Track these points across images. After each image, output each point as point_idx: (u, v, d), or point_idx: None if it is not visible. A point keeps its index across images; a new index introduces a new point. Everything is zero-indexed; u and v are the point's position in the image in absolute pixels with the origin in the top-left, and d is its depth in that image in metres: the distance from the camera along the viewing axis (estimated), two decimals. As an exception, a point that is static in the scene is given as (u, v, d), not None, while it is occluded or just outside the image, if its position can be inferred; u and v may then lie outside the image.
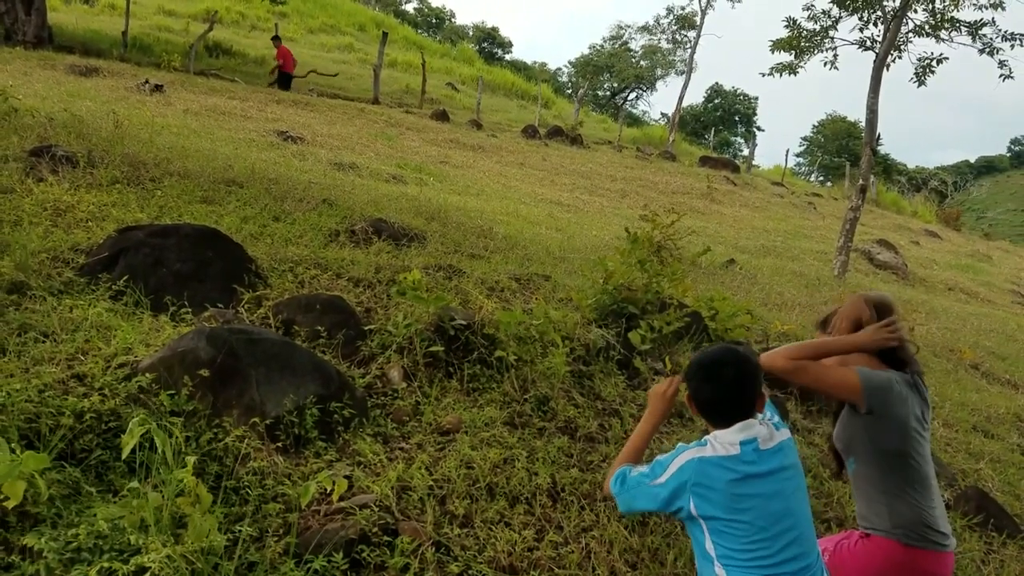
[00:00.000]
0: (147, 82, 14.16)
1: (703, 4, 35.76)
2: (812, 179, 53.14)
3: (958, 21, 11.58)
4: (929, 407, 2.71)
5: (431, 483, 3.14)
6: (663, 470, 2.22)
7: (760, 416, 2.29)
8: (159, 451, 2.78)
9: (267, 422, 3.11)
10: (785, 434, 2.30)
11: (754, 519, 2.12)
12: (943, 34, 11.74)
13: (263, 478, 2.90)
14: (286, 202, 6.45)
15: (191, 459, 2.69)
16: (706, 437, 2.26)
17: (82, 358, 3.33)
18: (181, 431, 2.97)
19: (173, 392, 3.12)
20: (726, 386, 2.24)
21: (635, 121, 48.40)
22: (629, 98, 59.26)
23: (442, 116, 21.02)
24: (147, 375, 3.16)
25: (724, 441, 2.20)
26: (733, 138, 63.38)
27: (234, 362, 3.19)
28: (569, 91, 53.34)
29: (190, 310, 4.04)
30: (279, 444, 3.10)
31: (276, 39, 20.76)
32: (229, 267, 4.46)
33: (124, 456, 2.77)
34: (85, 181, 5.82)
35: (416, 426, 3.64)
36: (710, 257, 9.00)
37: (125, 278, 4.13)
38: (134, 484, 2.61)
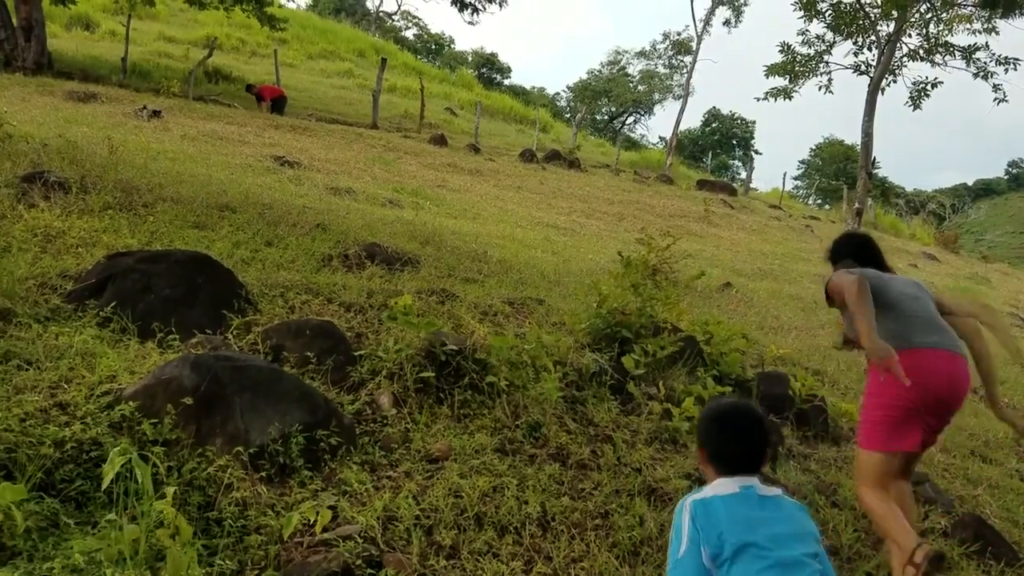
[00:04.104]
0: (145, 108, 14.22)
1: (699, 30, 36.12)
2: (810, 202, 53.33)
3: (952, 45, 11.67)
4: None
5: (418, 513, 3.08)
6: (679, 538, 2.22)
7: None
8: (139, 481, 2.74)
9: (251, 451, 3.06)
10: (786, 498, 2.36)
11: (750, 562, 2.12)
12: (937, 58, 11.82)
13: (245, 509, 2.85)
14: (279, 227, 6.43)
15: (170, 490, 2.64)
16: (703, 488, 2.35)
17: (65, 386, 3.29)
18: (163, 460, 2.93)
19: (156, 421, 3.07)
20: (741, 435, 2.39)
21: (633, 145, 48.60)
22: (627, 122, 59.64)
23: (440, 140, 21.09)
24: (130, 403, 3.12)
25: (722, 485, 2.30)
26: (731, 162, 63.65)
27: (218, 390, 3.15)
28: (567, 115, 53.63)
29: (178, 336, 4.00)
30: (263, 473, 3.05)
31: (249, 88, 20.79)
32: (219, 293, 4.43)
33: (104, 486, 2.73)
34: (77, 207, 5.80)
35: (405, 454, 3.59)
36: (706, 280, 8.97)
37: (113, 304, 4.09)
38: (112, 516, 2.57)
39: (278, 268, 5.44)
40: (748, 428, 2.40)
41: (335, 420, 3.42)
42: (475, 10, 16.17)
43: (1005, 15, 10.26)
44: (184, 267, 4.43)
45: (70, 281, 4.41)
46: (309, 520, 2.76)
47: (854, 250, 3.86)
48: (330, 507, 2.92)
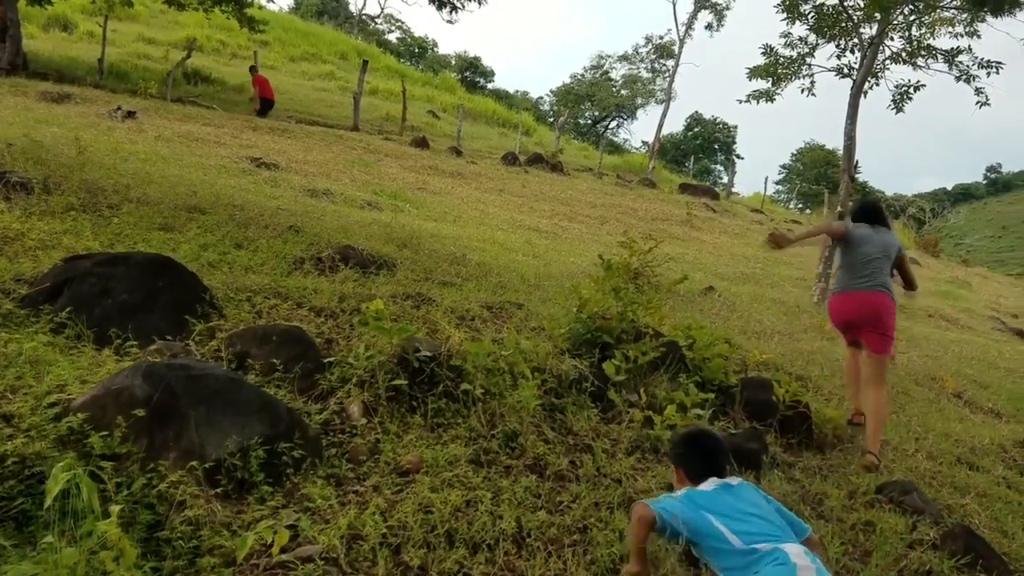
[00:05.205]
0: (119, 109, 13.96)
1: (681, 33, 36.13)
2: (791, 207, 53.48)
3: (934, 48, 11.62)
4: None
5: (385, 530, 2.91)
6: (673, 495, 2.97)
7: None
8: (84, 499, 2.56)
9: (207, 466, 2.88)
10: (747, 483, 3.07)
11: (728, 522, 2.74)
12: (919, 61, 11.77)
13: (198, 528, 2.67)
14: (250, 229, 6.23)
15: (115, 508, 2.46)
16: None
17: (10, 396, 3.09)
18: (112, 477, 2.75)
19: (106, 434, 2.88)
20: (708, 453, 3.10)
21: (616, 149, 48.63)
22: (610, 126, 59.65)
23: (422, 143, 20.91)
24: (79, 415, 2.93)
25: (703, 485, 2.99)
26: (713, 166, 63.90)
27: (172, 400, 2.96)
28: (551, 119, 53.52)
29: (136, 343, 3.81)
30: (219, 490, 2.86)
31: (253, 69, 20.76)
32: (181, 297, 4.23)
33: (47, 505, 2.55)
34: (38, 208, 5.59)
35: (373, 466, 3.41)
36: (688, 284, 8.84)
37: (68, 310, 3.89)
38: (50, 538, 2.38)
39: (246, 271, 5.25)
40: (712, 447, 3.13)
41: (299, 431, 3.24)
42: (453, 8, 15.89)
43: (995, 14, 10.21)
44: (144, 270, 4.22)
45: (25, 285, 4.20)
46: (266, 540, 2.58)
47: (856, 211, 5.85)
48: (290, 526, 2.74)
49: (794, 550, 2.61)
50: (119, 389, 2.96)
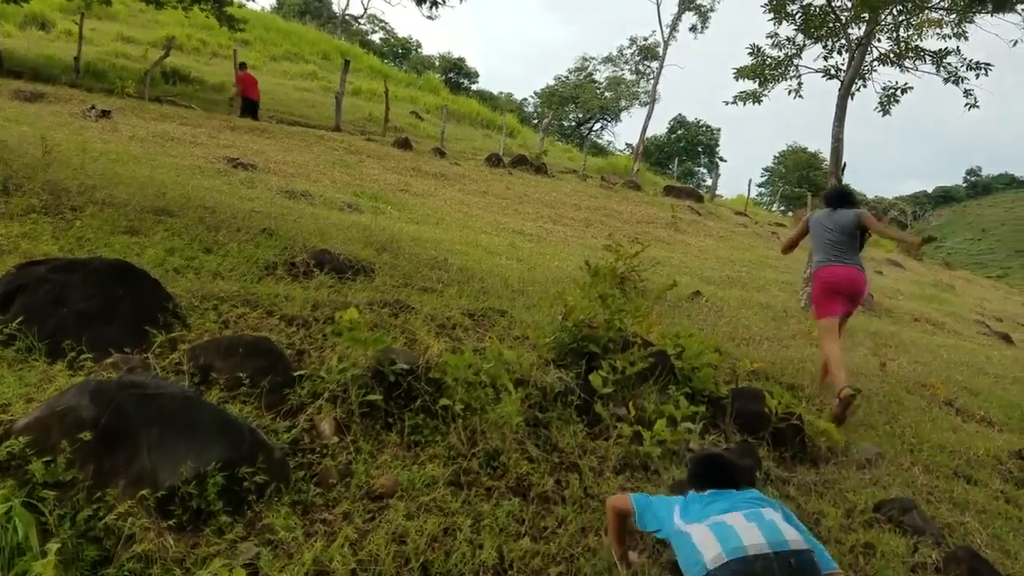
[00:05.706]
0: (93, 108, 13.63)
1: (665, 35, 36.09)
2: (773, 209, 53.65)
3: (922, 50, 11.51)
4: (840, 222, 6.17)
5: (354, 565, 2.68)
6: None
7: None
8: (20, 534, 2.32)
9: (159, 494, 2.63)
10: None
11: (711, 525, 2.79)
12: (907, 63, 11.66)
13: (149, 565, 2.43)
14: (220, 232, 5.97)
15: (53, 547, 2.22)
16: None
17: (-54, 417, 2.84)
18: (54, 508, 2.51)
19: (49, 459, 2.63)
20: (718, 467, 3.18)
21: (600, 151, 48.53)
22: (594, 128, 59.57)
23: (405, 144, 20.63)
24: (20, 439, 2.68)
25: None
26: (696, 168, 64.01)
27: (122, 422, 2.72)
28: (535, 121, 53.36)
29: (91, 356, 3.55)
30: (172, 521, 2.62)
31: (243, 66, 20.31)
32: (142, 306, 3.98)
33: (-21, 540, 2.31)
34: (-4, 210, 5.32)
35: (344, 491, 3.18)
36: (676, 289, 8.65)
37: (19, 320, 3.64)
38: (-25, 583, 2.14)
39: (214, 277, 5.00)
40: (724, 464, 3.23)
41: (263, 454, 2.99)
42: (434, 3, 15.57)
43: (995, 11, 10.09)
44: (103, 277, 3.97)
45: (-26, 293, 3.93)
46: (221, 580, 2.35)
47: (825, 197, 6.62)
48: (247, 564, 2.51)
49: (697, 529, 2.78)
50: (64, 410, 2.72)
